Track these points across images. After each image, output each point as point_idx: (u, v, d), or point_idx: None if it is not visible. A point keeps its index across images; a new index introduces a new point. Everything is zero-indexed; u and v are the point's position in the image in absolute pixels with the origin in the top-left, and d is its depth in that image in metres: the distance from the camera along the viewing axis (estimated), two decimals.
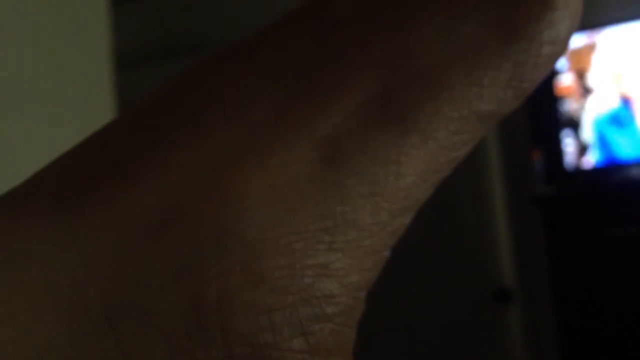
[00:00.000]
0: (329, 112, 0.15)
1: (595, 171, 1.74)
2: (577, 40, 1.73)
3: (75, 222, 0.13)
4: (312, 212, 0.14)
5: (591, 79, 1.73)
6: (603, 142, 1.73)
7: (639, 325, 1.54)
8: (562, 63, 1.73)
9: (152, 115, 0.15)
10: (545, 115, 1.73)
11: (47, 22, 0.90)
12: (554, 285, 1.66)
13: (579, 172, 1.74)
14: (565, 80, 1.74)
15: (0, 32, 0.82)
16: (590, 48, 1.73)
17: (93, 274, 0.13)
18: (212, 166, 0.14)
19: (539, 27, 0.15)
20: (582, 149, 1.75)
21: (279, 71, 0.15)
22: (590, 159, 1.74)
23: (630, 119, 1.70)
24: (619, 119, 1.71)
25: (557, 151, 1.74)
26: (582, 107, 1.74)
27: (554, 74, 1.71)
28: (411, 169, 0.15)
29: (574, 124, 1.73)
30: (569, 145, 1.74)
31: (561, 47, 0.15)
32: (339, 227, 0.14)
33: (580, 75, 1.73)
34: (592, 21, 1.69)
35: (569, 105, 1.74)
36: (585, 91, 1.74)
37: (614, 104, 1.72)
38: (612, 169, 1.72)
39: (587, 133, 1.74)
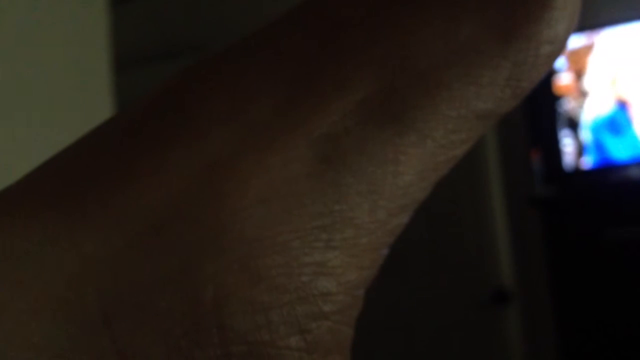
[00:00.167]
0: (327, 111, 0.15)
1: (594, 172, 1.74)
2: (576, 41, 1.74)
3: (72, 221, 0.13)
4: (309, 210, 0.14)
5: (587, 82, 1.73)
6: (599, 146, 1.73)
7: (637, 326, 1.55)
8: (560, 62, 1.73)
9: (149, 115, 0.15)
10: (543, 115, 1.73)
11: (46, 23, 0.90)
12: (553, 285, 1.66)
13: (577, 173, 1.74)
14: (564, 79, 1.74)
15: None
16: (589, 49, 1.73)
17: (90, 274, 0.13)
18: (210, 165, 0.14)
19: (537, 26, 0.15)
20: (581, 149, 1.75)
21: (276, 70, 0.15)
22: (587, 161, 1.74)
23: (628, 123, 1.70)
24: (615, 123, 1.71)
25: (555, 151, 1.74)
26: (580, 107, 1.74)
27: (552, 73, 1.71)
28: (409, 168, 0.15)
29: (573, 124, 1.74)
30: (567, 145, 1.75)
31: (560, 47, 0.15)
32: (336, 225, 0.14)
33: (579, 75, 1.73)
34: (591, 22, 1.69)
35: (568, 105, 1.74)
36: (583, 92, 1.74)
37: (610, 107, 1.72)
38: (611, 170, 1.72)
39: (586, 134, 1.75)
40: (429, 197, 0.16)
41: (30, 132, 0.85)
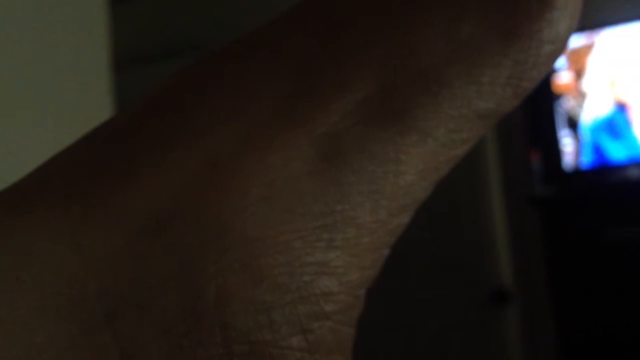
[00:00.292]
0: (328, 110, 0.15)
1: (594, 172, 1.74)
2: (577, 40, 1.73)
3: (74, 220, 0.13)
4: (311, 209, 0.14)
5: (586, 83, 1.73)
6: (598, 147, 1.73)
7: (637, 326, 1.55)
8: (560, 61, 1.73)
9: (150, 114, 0.15)
10: (543, 115, 1.73)
11: (45, 22, 0.90)
12: (552, 285, 1.66)
13: (577, 173, 1.74)
14: (564, 78, 1.74)
15: None
16: (590, 48, 1.73)
17: (92, 271, 0.13)
18: (211, 164, 0.14)
19: (538, 26, 0.15)
20: (581, 149, 1.75)
21: (277, 69, 0.15)
22: (586, 161, 1.74)
23: (627, 125, 1.70)
24: (614, 125, 1.70)
25: (555, 151, 1.74)
26: (580, 106, 1.73)
27: (551, 73, 1.71)
28: (410, 167, 0.15)
29: (573, 123, 1.73)
30: (567, 145, 1.74)
31: (560, 46, 0.15)
32: (338, 225, 0.14)
33: (579, 74, 1.73)
34: (591, 21, 1.69)
35: (567, 104, 1.74)
36: (583, 92, 1.74)
37: (609, 109, 1.71)
38: (610, 170, 1.72)
39: (585, 135, 1.74)
40: (428, 196, 0.16)
41: (30, 132, 0.85)
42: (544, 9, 0.15)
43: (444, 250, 1.73)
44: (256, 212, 0.14)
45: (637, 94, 1.69)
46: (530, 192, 1.75)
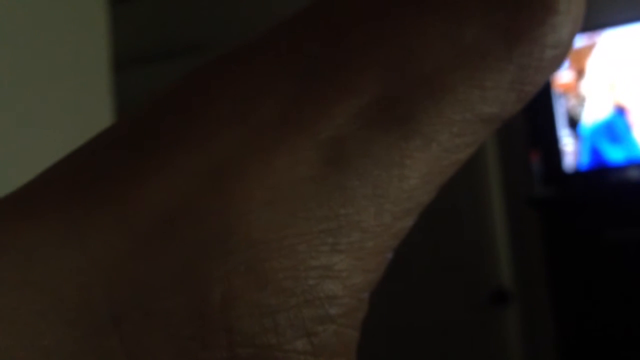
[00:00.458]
0: (332, 114, 0.15)
1: (594, 172, 1.74)
2: (579, 41, 1.73)
3: (81, 222, 0.14)
4: (315, 213, 0.14)
5: (585, 86, 1.72)
6: (597, 150, 1.72)
7: (636, 326, 1.55)
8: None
9: (155, 117, 0.15)
10: (543, 115, 1.73)
11: (46, 22, 0.90)
12: (552, 286, 1.66)
13: (577, 174, 1.74)
14: (565, 78, 1.73)
15: None
16: (592, 48, 1.72)
17: (98, 275, 0.13)
18: (217, 168, 0.14)
19: (541, 30, 0.15)
20: (581, 150, 1.75)
21: (282, 73, 0.15)
22: (586, 163, 1.74)
23: (627, 129, 1.69)
24: (613, 129, 1.70)
25: (555, 152, 1.74)
26: (581, 106, 1.73)
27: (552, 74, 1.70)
28: (414, 172, 0.15)
29: (574, 123, 1.73)
30: (568, 144, 1.74)
31: (564, 51, 0.16)
32: (342, 229, 0.14)
33: (580, 74, 1.73)
34: (593, 22, 1.68)
35: (568, 103, 1.73)
36: (583, 94, 1.74)
37: (608, 112, 1.71)
38: (610, 171, 1.72)
39: (584, 137, 1.74)
40: None
41: (30, 132, 0.85)
42: (547, 14, 0.15)
43: (444, 251, 1.73)
44: (261, 216, 0.14)
45: (637, 97, 1.69)
46: (530, 193, 1.75)
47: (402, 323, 1.71)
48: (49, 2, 0.91)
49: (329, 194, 0.14)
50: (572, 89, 1.74)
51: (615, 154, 1.70)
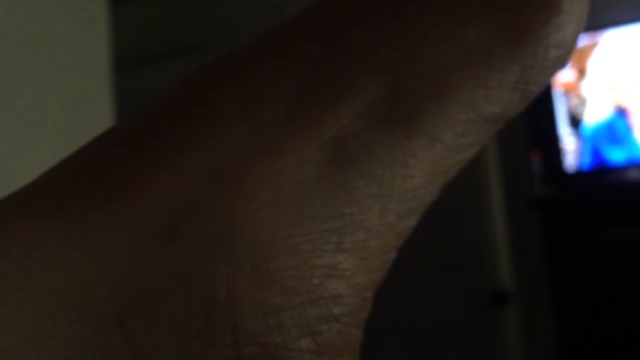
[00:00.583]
0: (336, 113, 0.15)
1: (594, 173, 1.74)
2: (581, 40, 1.72)
3: (84, 222, 0.14)
4: (320, 213, 0.14)
5: (586, 87, 1.72)
6: (597, 151, 1.72)
7: (636, 327, 1.55)
8: None
9: (160, 117, 0.15)
10: (543, 116, 1.73)
11: (46, 22, 0.90)
12: (552, 287, 1.66)
13: (577, 174, 1.74)
14: (567, 77, 1.73)
15: None
16: (594, 47, 1.72)
17: (104, 274, 0.13)
18: (221, 167, 0.14)
19: (545, 30, 0.15)
20: (582, 149, 1.74)
21: (287, 73, 0.15)
22: (586, 163, 1.74)
23: (628, 131, 1.69)
24: (614, 130, 1.70)
25: (555, 152, 1.74)
26: (583, 105, 1.73)
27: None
28: (418, 171, 0.15)
29: (575, 122, 1.73)
30: (569, 144, 1.74)
31: (567, 51, 0.16)
32: (346, 228, 0.14)
33: (582, 73, 1.73)
34: (595, 22, 1.68)
35: (570, 103, 1.73)
36: (584, 94, 1.74)
37: (609, 113, 1.71)
38: (610, 171, 1.72)
39: (585, 138, 1.74)
40: None
41: (31, 132, 0.85)
42: (551, 14, 0.15)
43: (444, 251, 1.73)
44: (266, 215, 0.14)
45: (638, 98, 1.68)
46: (530, 193, 1.75)
47: (401, 323, 1.71)
48: (49, 2, 0.91)
49: (333, 193, 0.14)
50: (573, 89, 1.74)
51: (616, 155, 1.70)
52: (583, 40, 1.72)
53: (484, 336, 1.72)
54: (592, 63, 1.71)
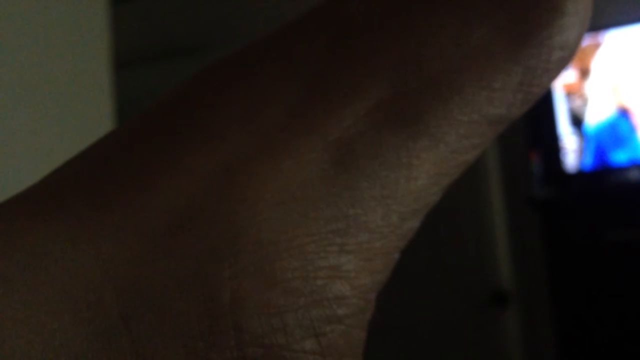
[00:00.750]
0: (341, 115, 0.15)
1: (594, 173, 1.73)
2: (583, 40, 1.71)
3: (92, 222, 0.14)
4: (324, 214, 0.14)
5: (589, 87, 1.72)
6: (599, 152, 1.72)
7: (636, 328, 1.55)
8: None
9: (165, 119, 0.16)
10: (544, 116, 1.73)
11: (46, 22, 0.90)
12: (552, 287, 1.66)
13: (577, 174, 1.74)
14: (568, 77, 1.73)
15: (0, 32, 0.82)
16: (596, 47, 1.72)
17: (109, 275, 0.13)
18: (226, 168, 0.14)
19: (549, 32, 0.15)
20: (583, 149, 1.74)
21: (291, 74, 0.15)
22: (587, 163, 1.74)
23: (631, 131, 1.69)
24: (616, 130, 1.70)
25: (555, 153, 1.74)
26: (584, 105, 1.73)
27: None
28: (422, 172, 0.15)
29: (577, 122, 1.73)
30: (571, 143, 1.73)
31: (570, 53, 0.16)
32: (350, 230, 0.14)
33: (584, 73, 1.72)
34: (597, 22, 1.68)
35: (572, 103, 1.73)
36: (586, 94, 1.73)
37: (611, 113, 1.71)
38: (610, 172, 1.72)
39: (587, 137, 1.74)
40: None
41: (31, 132, 0.85)
42: (555, 16, 0.15)
43: (444, 252, 1.73)
44: (270, 217, 0.14)
45: None
46: (530, 194, 1.75)
47: (401, 323, 1.71)
48: (49, 2, 0.91)
49: (338, 194, 0.14)
50: (576, 89, 1.74)
51: (618, 156, 1.70)
52: (585, 41, 1.71)
53: (483, 337, 1.72)
54: (595, 63, 1.71)
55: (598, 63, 1.71)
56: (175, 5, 1.99)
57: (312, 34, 0.16)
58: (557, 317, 1.64)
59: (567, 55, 0.16)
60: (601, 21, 1.68)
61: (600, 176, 1.73)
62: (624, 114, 1.69)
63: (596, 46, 1.71)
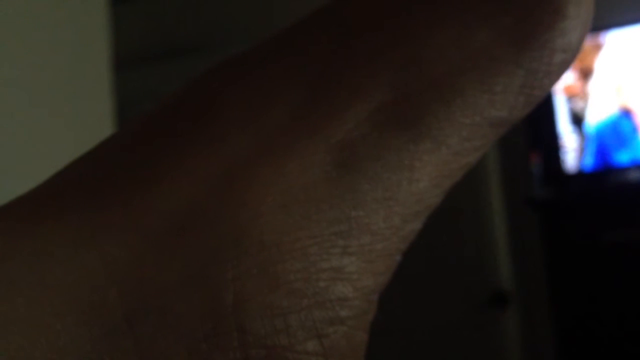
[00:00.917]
0: (343, 117, 0.15)
1: (594, 174, 1.73)
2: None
3: (95, 223, 0.14)
4: (326, 216, 0.14)
5: (591, 86, 1.72)
6: (600, 152, 1.72)
7: (636, 329, 1.55)
8: None
9: (167, 120, 0.16)
10: (544, 117, 1.73)
11: (46, 22, 0.90)
12: (552, 289, 1.66)
13: (577, 175, 1.74)
14: (568, 77, 1.73)
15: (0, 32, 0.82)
16: (596, 48, 1.72)
17: (113, 276, 0.13)
18: (229, 170, 0.14)
19: (551, 35, 0.15)
20: (584, 149, 1.74)
21: (294, 76, 0.15)
22: (587, 163, 1.74)
23: (633, 132, 1.69)
24: (619, 130, 1.70)
25: (555, 153, 1.74)
26: (585, 104, 1.73)
27: None
28: (424, 175, 0.15)
29: (578, 121, 1.72)
30: (571, 143, 1.73)
31: (572, 55, 0.16)
32: (353, 232, 0.14)
33: (584, 73, 1.72)
34: (598, 22, 1.68)
35: (573, 102, 1.73)
36: (587, 93, 1.73)
37: (613, 113, 1.70)
38: (610, 172, 1.72)
39: (588, 137, 1.74)
40: None
41: (31, 132, 0.85)
42: (557, 18, 0.15)
43: (443, 253, 1.73)
44: (273, 219, 0.14)
45: None
46: (530, 194, 1.75)
47: (401, 324, 1.71)
48: (49, 2, 0.91)
49: (340, 196, 0.14)
50: (577, 89, 1.74)
51: (620, 156, 1.70)
52: (586, 41, 1.71)
53: (483, 337, 1.72)
54: (598, 63, 1.70)
55: (600, 63, 1.71)
56: (175, 5, 1.99)
57: (314, 36, 0.16)
58: (557, 318, 1.64)
59: (569, 57, 0.16)
60: (602, 22, 1.68)
61: (600, 176, 1.73)
62: (626, 114, 1.69)
63: (596, 47, 1.71)
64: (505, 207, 1.78)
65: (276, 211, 0.14)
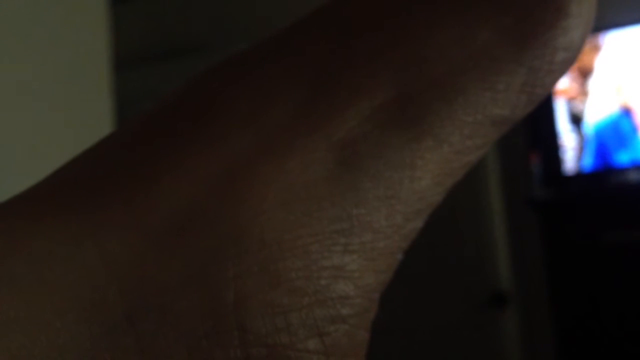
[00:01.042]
0: (345, 115, 0.15)
1: (594, 174, 1.73)
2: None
3: (95, 221, 0.14)
4: (328, 214, 0.14)
5: (591, 86, 1.72)
6: (600, 151, 1.72)
7: (636, 330, 1.55)
8: None
9: (168, 119, 0.16)
10: (543, 117, 1.73)
11: (46, 22, 0.90)
12: (551, 289, 1.66)
13: (576, 175, 1.74)
14: (570, 78, 1.72)
15: None
16: (595, 48, 1.72)
17: (113, 274, 0.13)
18: (230, 168, 0.14)
19: (553, 33, 0.15)
20: (583, 150, 1.74)
21: (295, 74, 0.15)
22: (587, 163, 1.74)
23: (633, 131, 1.69)
24: (619, 129, 1.70)
25: (555, 154, 1.74)
26: (584, 104, 1.73)
27: None
28: (426, 173, 0.15)
29: (577, 121, 1.72)
30: (570, 142, 1.73)
31: (574, 54, 0.16)
32: (354, 229, 0.14)
33: (583, 73, 1.72)
34: (598, 23, 1.67)
35: (573, 102, 1.73)
36: (587, 93, 1.73)
37: (613, 112, 1.70)
38: (610, 173, 1.72)
39: (588, 136, 1.74)
40: None
41: (31, 132, 0.85)
42: (559, 17, 0.15)
43: (443, 253, 1.73)
44: (274, 217, 0.14)
45: None
46: (529, 195, 1.75)
47: (401, 325, 1.71)
48: (49, 2, 0.91)
49: (342, 194, 0.14)
50: (577, 89, 1.74)
51: (620, 157, 1.70)
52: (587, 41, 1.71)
53: (482, 338, 1.72)
54: (598, 63, 1.70)
55: (600, 63, 1.71)
56: (175, 5, 2.00)
57: (314, 36, 0.16)
58: (557, 318, 1.64)
59: (571, 56, 0.16)
60: (603, 22, 1.68)
61: (600, 177, 1.73)
62: (626, 113, 1.69)
63: (595, 47, 1.71)
64: (505, 207, 1.78)
65: (277, 209, 0.14)
